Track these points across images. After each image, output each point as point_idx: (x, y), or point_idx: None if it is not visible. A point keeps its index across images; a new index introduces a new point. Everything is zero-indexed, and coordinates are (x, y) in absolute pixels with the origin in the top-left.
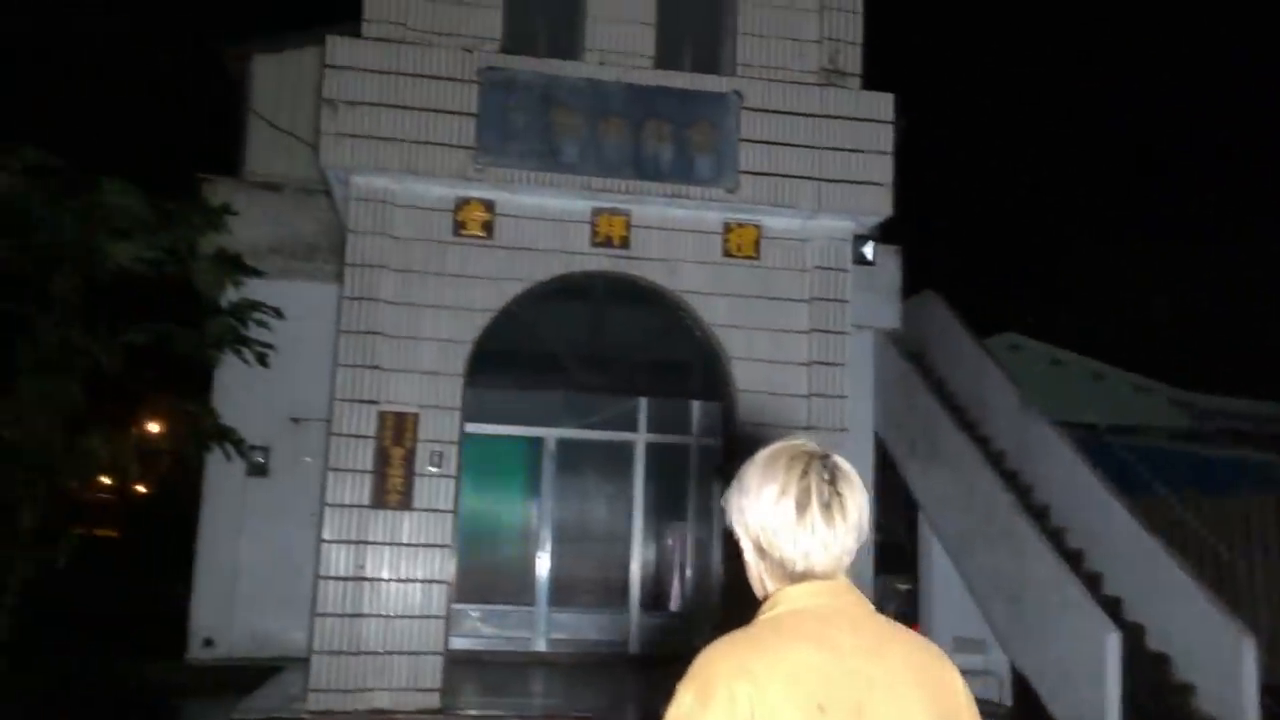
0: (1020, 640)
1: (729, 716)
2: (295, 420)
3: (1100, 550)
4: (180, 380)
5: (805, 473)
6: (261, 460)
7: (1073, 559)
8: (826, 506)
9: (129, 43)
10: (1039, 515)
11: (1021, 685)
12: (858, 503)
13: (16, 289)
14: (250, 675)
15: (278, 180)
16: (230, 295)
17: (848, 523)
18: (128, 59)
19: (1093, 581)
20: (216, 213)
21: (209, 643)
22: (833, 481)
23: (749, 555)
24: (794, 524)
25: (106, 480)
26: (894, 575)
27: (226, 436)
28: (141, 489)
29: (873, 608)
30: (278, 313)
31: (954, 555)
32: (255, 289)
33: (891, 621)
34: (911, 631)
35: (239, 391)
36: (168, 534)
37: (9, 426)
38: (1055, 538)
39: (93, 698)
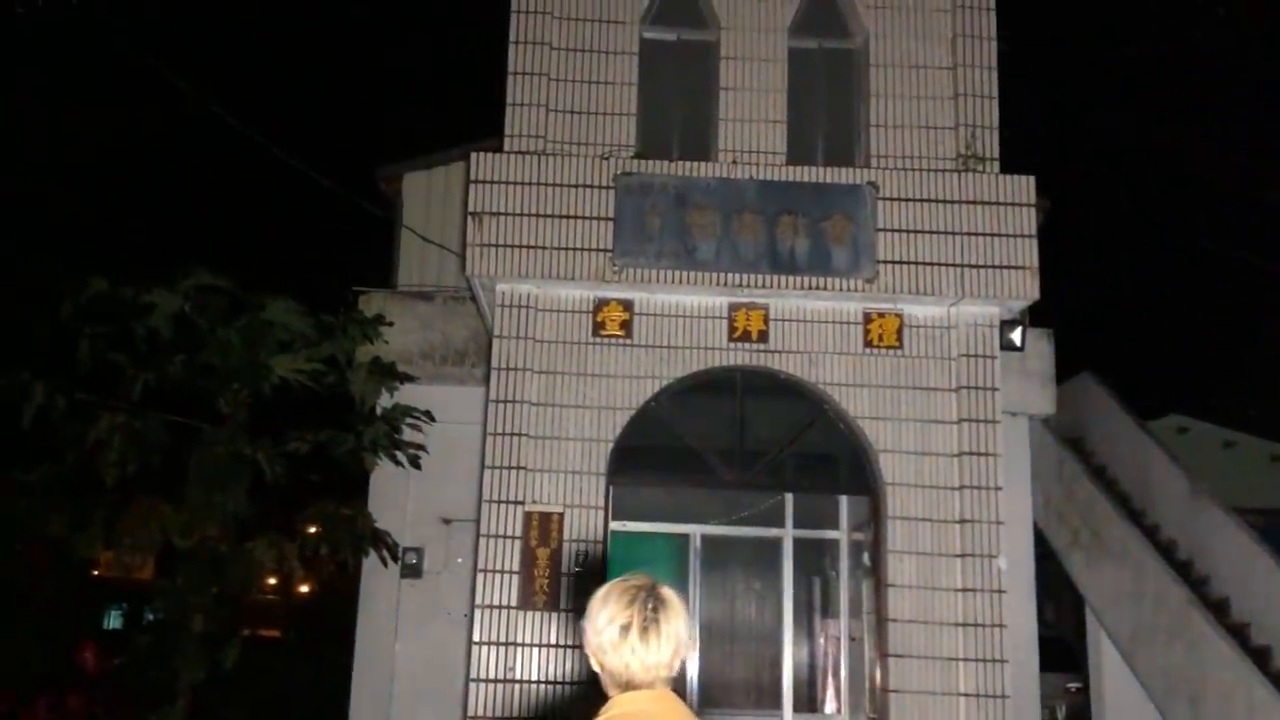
0: None
1: None
2: (446, 521)
3: None
4: (338, 485)
5: (631, 603)
6: (414, 561)
7: (1259, 656)
8: (644, 630)
9: (290, 170)
10: (1217, 608)
11: None
12: (674, 627)
13: (187, 403)
14: None
15: (428, 290)
16: (384, 401)
17: (662, 643)
18: (289, 184)
19: None
20: (372, 324)
21: None
22: (655, 610)
23: (595, 668)
24: (619, 644)
25: (271, 581)
26: (1062, 673)
27: (381, 539)
28: (304, 589)
29: (687, 710)
30: (429, 416)
31: (1126, 652)
32: (407, 394)
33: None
34: None
35: (393, 494)
36: (328, 634)
37: (181, 536)
38: (1237, 632)
39: None
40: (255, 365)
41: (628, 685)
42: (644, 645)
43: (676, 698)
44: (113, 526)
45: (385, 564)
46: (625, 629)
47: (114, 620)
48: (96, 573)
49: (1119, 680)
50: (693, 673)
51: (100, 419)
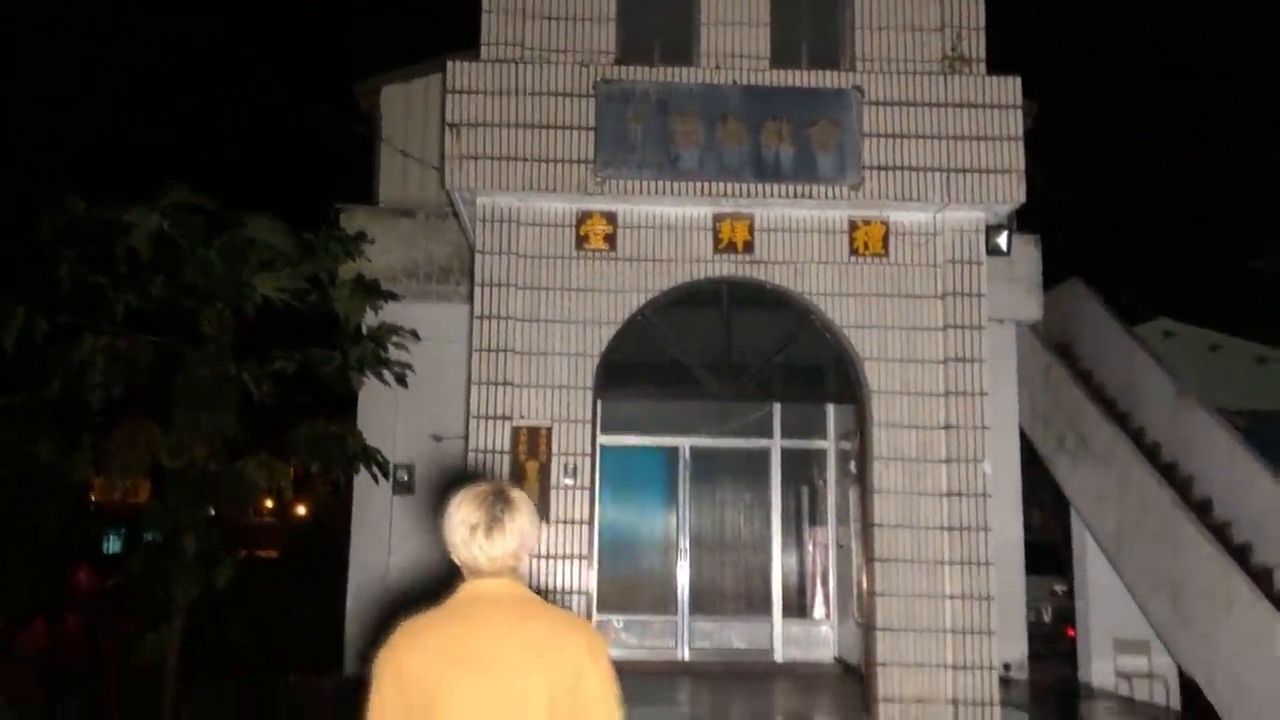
0: (1185, 641)
1: (383, 681)
2: (437, 439)
3: (1270, 544)
4: (326, 405)
5: (479, 505)
6: (405, 479)
7: (1239, 553)
8: (489, 528)
9: (268, 88)
10: (1200, 509)
11: (1189, 689)
12: (518, 524)
13: (170, 324)
14: None
15: (410, 206)
16: (369, 319)
17: (506, 538)
18: (267, 102)
19: (1263, 576)
20: (354, 241)
21: (365, 658)
22: (500, 510)
23: (455, 560)
24: (468, 540)
25: (269, 504)
26: (1047, 576)
27: (371, 457)
28: (301, 511)
29: (529, 596)
30: (415, 334)
31: (1110, 554)
32: (392, 312)
33: (543, 606)
34: (560, 613)
35: (381, 413)
36: (324, 553)
37: (169, 457)
38: (1219, 532)
39: (256, 713)
40: (237, 284)
41: (476, 574)
42: (489, 541)
43: (519, 584)
44: (101, 449)
45: (376, 481)
46: (474, 527)
47: (114, 545)
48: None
49: (1103, 581)
50: (683, 581)
51: (83, 341)
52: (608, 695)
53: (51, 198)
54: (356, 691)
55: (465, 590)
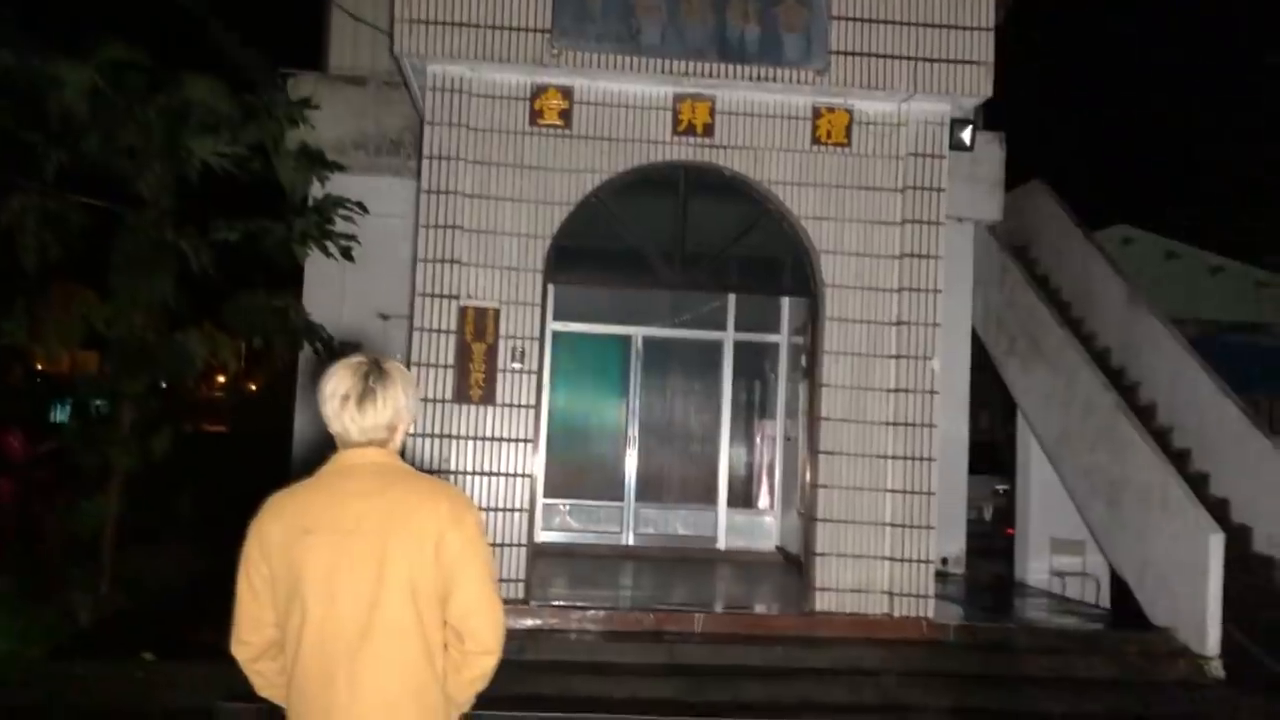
0: (1119, 542)
1: (249, 549)
2: (384, 317)
3: (1208, 450)
4: (272, 279)
5: (352, 376)
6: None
7: (1178, 459)
8: (360, 399)
9: None
10: (1144, 414)
11: (1120, 588)
12: (391, 396)
13: (106, 187)
14: None
15: (362, 74)
16: (315, 191)
17: (378, 410)
18: None
19: (1199, 482)
20: (298, 106)
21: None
22: (373, 382)
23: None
24: (339, 411)
25: (221, 379)
26: (991, 475)
27: (315, 333)
28: (254, 387)
29: (396, 465)
30: (361, 207)
31: (1052, 455)
32: (340, 185)
33: (408, 474)
34: (426, 480)
35: (328, 289)
36: (273, 429)
37: (106, 324)
38: (1160, 437)
39: (196, 589)
40: (176, 146)
41: (347, 446)
42: (360, 412)
43: (391, 454)
44: (35, 315)
45: (320, 357)
46: (345, 398)
47: (62, 414)
48: (40, 367)
49: (1044, 483)
50: (631, 469)
51: (11, 198)
52: (472, 558)
53: None
54: None
55: (334, 460)
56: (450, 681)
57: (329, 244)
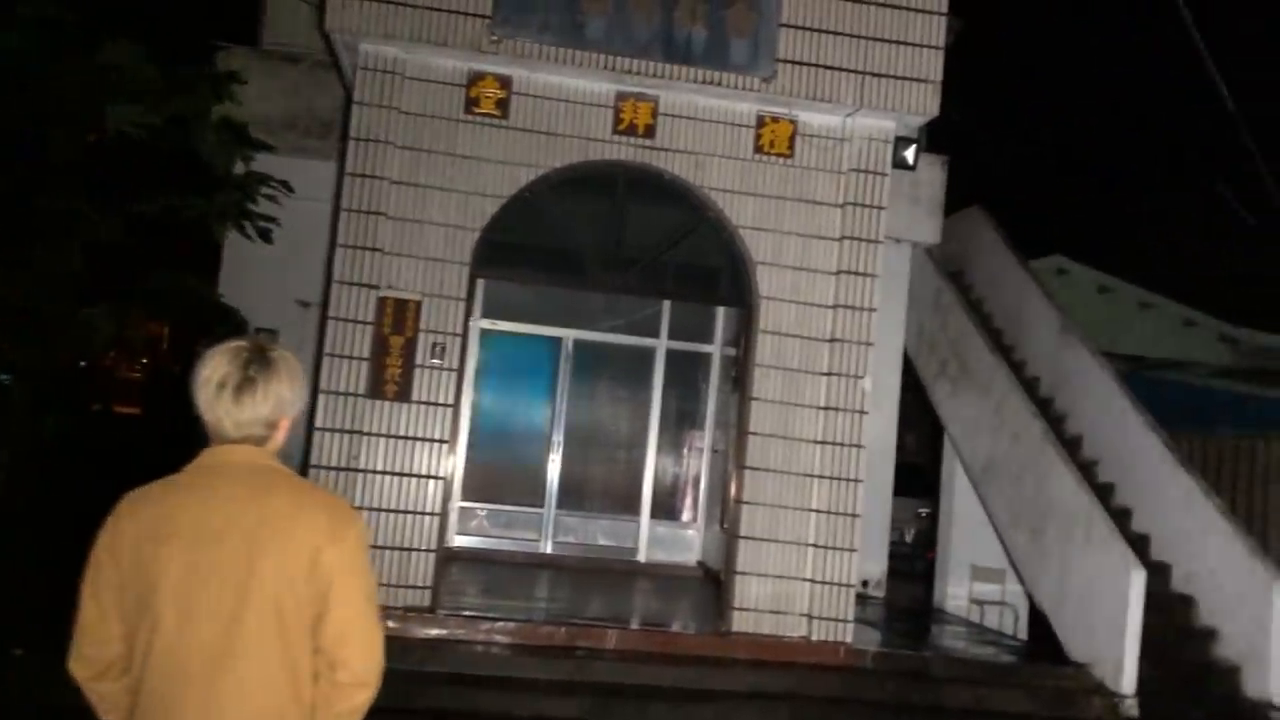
0: (1039, 573)
1: (99, 548)
2: (303, 304)
3: (1132, 485)
4: (192, 260)
5: (232, 362)
6: None
7: (1102, 492)
8: (238, 389)
9: None
10: (1070, 445)
11: (1038, 620)
12: (274, 388)
13: (12, 150)
14: None
15: (296, 52)
16: (240, 170)
17: (257, 402)
18: None
19: (1121, 517)
20: (223, 79)
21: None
22: (255, 370)
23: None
24: (213, 400)
25: (144, 361)
26: (914, 498)
27: (228, 315)
28: (177, 369)
29: (275, 468)
30: (286, 186)
31: (977, 481)
32: (267, 165)
33: (289, 480)
34: (308, 488)
35: (247, 273)
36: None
37: (26, 298)
38: (1086, 469)
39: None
40: (90, 111)
41: (220, 440)
42: (236, 404)
43: (266, 454)
44: None
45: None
46: (221, 386)
47: None
48: None
49: (966, 509)
50: (554, 474)
51: None
52: (350, 579)
53: None
54: None
55: (204, 456)
56: (319, 716)
57: (247, 224)
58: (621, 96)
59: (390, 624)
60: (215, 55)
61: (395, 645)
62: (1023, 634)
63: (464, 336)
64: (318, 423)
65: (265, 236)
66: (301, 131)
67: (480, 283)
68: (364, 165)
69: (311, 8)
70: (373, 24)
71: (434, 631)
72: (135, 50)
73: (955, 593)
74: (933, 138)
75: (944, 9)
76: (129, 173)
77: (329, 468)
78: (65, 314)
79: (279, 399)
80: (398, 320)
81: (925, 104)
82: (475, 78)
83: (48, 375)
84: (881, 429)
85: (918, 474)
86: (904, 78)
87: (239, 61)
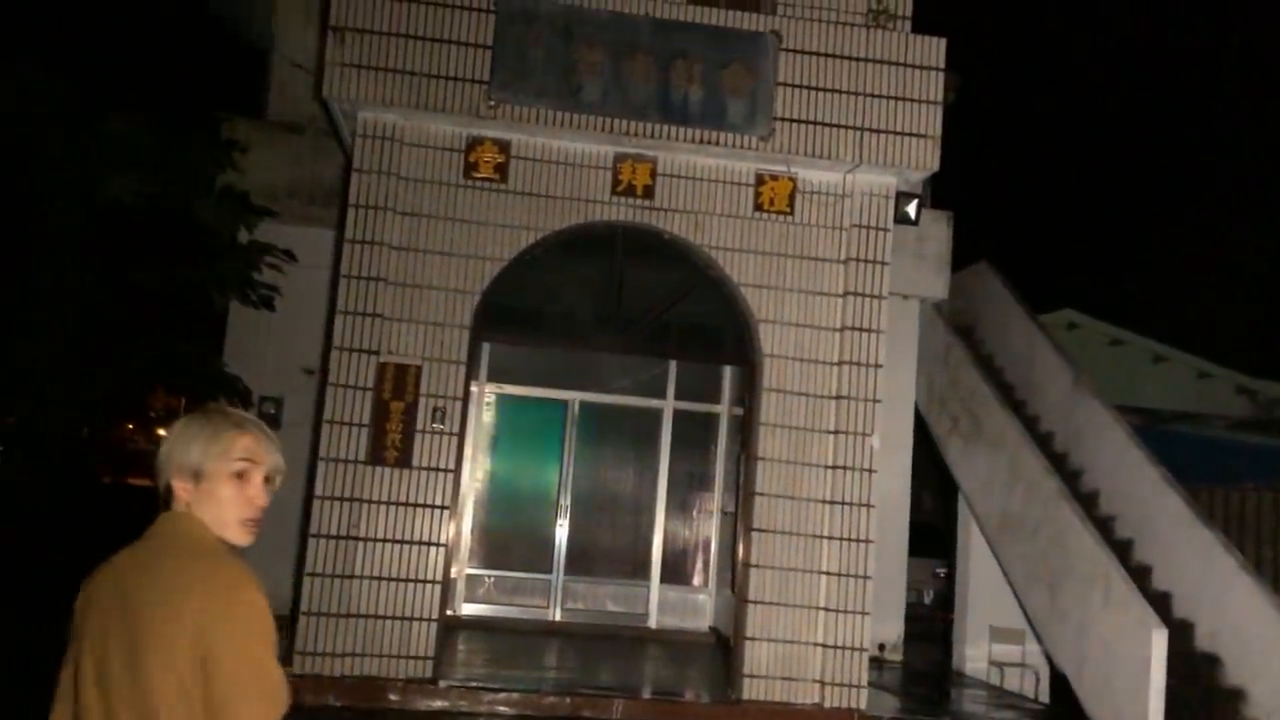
0: (1059, 633)
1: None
2: (309, 372)
3: (1151, 541)
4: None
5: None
6: (273, 411)
7: (1121, 549)
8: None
9: None
10: (1087, 501)
11: (1059, 681)
12: (162, 449)
13: (10, 217)
14: None
15: (299, 121)
16: (243, 238)
17: (158, 463)
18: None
19: (1141, 574)
20: (223, 148)
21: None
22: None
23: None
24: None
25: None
26: (931, 558)
27: (230, 384)
28: None
29: (177, 531)
30: (290, 255)
31: (992, 539)
32: (272, 233)
33: (184, 547)
34: (202, 558)
35: (252, 342)
36: None
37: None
38: (1103, 526)
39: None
40: (89, 180)
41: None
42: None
43: (180, 518)
44: None
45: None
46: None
47: None
48: None
49: (983, 568)
50: (561, 539)
51: None
52: (227, 671)
53: None
54: None
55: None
56: None
57: (249, 292)
58: (620, 158)
59: (392, 696)
60: (220, 125)
61: (395, 718)
62: (1044, 697)
63: (465, 400)
64: (317, 490)
65: (268, 304)
66: (306, 200)
67: (485, 346)
68: (363, 231)
69: (312, 76)
70: (370, 91)
71: (436, 704)
72: (134, 120)
73: (974, 655)
74: (937, 194)
75: (941, 65)
76: (127, 241)
77: (329, 536)
78: (60, 379)
79: (162, 460)
80: (398, 385)
81: (926, 159)
82: (474, 143)
83: (45, 442)
84: (894, 488)
85: (934, 533)
86: (903, 133)
87: (243, 131)
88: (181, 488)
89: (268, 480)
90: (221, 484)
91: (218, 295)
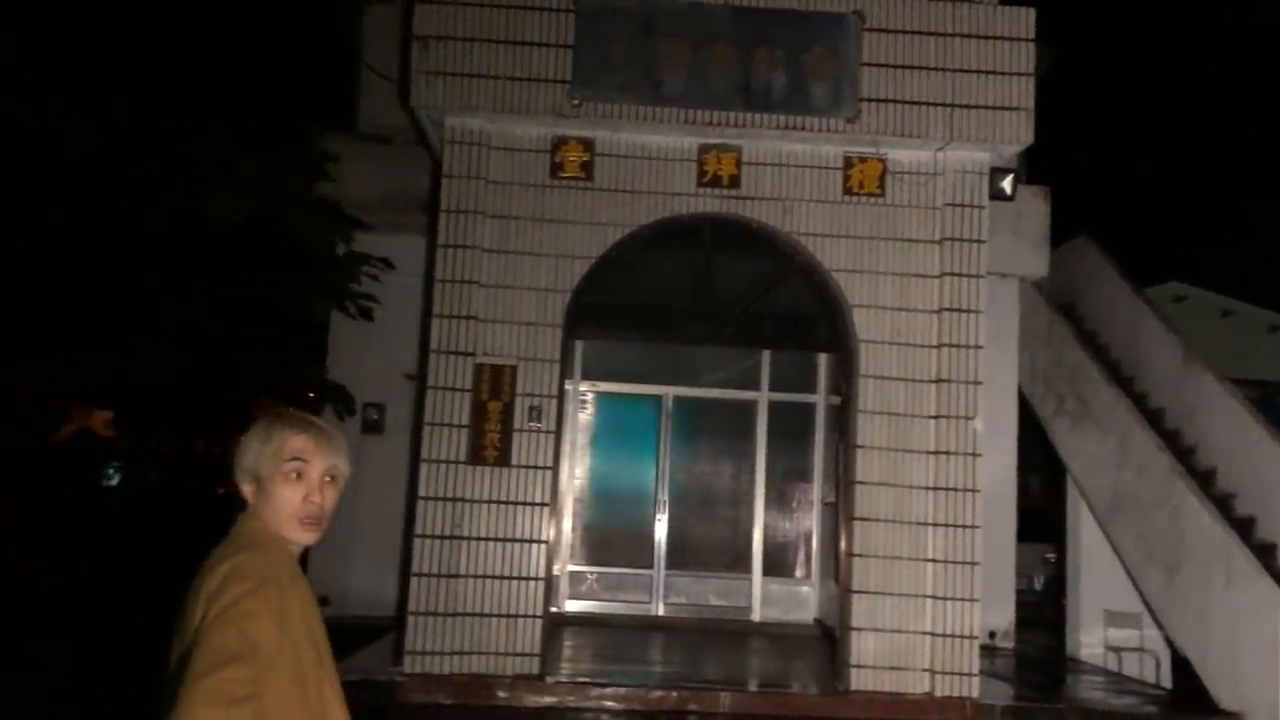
0: (1178, 616)
1: None
2: (409, 377)
3: (1274, 518)
4: (294, 339)
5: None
6: (375, 418)
7: (1242, 527)
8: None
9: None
10: (1203, 478)
11: (1181, 666)
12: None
13: (108, 236)
14: (364, 634)
15: (387, 132)
16: (339, 250)
17: None
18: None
19: (1264, 552)
20: (315, 160)
21: (325, 601)
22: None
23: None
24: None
25: None
26: (1041, 543)
27: (334, 392)
28: None
29: (234, 530)
30: (387, 263)
31: (1103, 521)
32: (368, 244)
33: (230, 540)
34: (223, 548)
35: (353, 350)
36: None
37: (117, 382)
38: (1221, 504)
39: None
40: (185, 200)
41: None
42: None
43: (246, 515)
44: (42, 370)
45: (341, 418)
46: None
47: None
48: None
49: (1095, 551)
50: (661, 535)
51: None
52: (199, 656)
53: None
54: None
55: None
56: None
57: (349, 303)
58: (704, 149)
59: (500, 693)
60: (312, 139)
61: (504, 714)
62: (1166, 682)
63: (560, 399)
64: (420, 491)
65: (366, 315)
66: (397, 209)
67: (578, 345)
68: (455, 236)
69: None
70: (456, 97)
71: (544, 699)
72: (227, 137)
73: (1089, 640)
74: (1034, 169)
75: (1031, 35)
76: (229, 258)
77: (433, 536)
78: (173, 398)
79: (234, 464)
80: (494, 386)
81: (1019, 132)
82: (559, 142)
83: (160, 459)
84: (999, 472)
85: (1042, 518)
86: (995, 107)
87: (335, 144)
88: (247, 489)
89: (330, 480)
90: (276, 484)
91: (318, 306)
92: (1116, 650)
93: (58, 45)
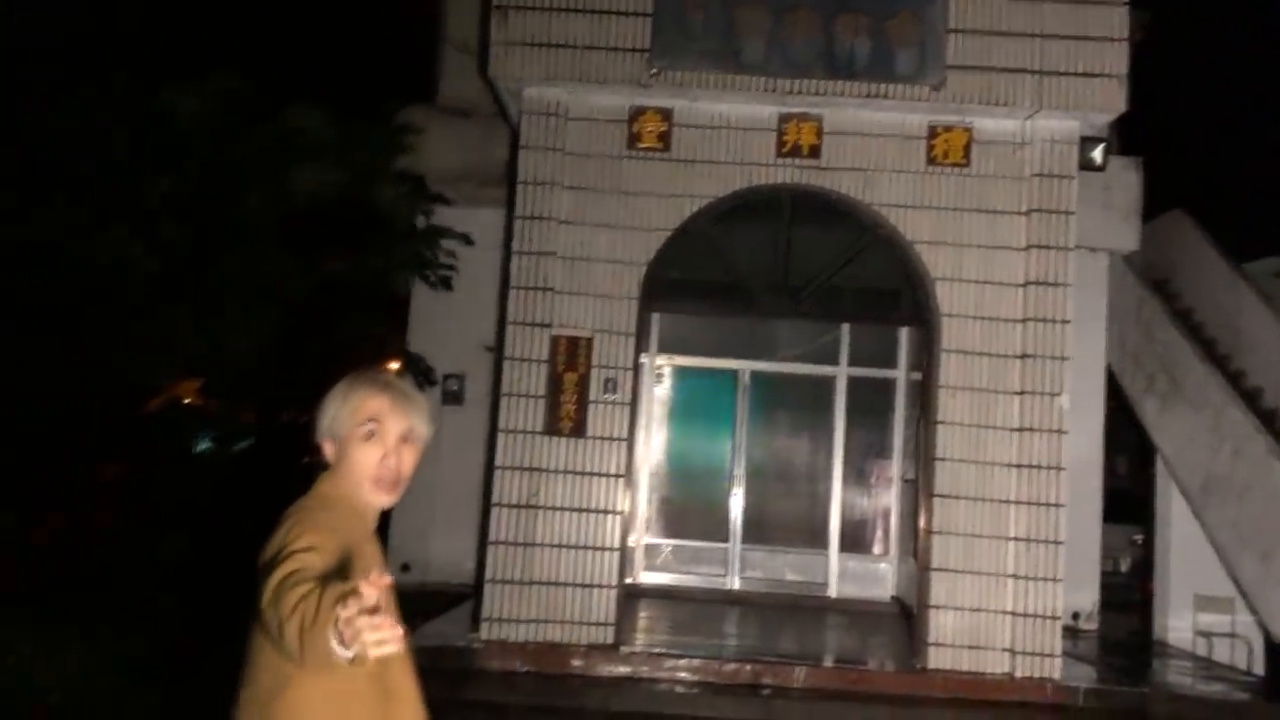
0: (1274, 602)
1: None
2: (489, 349)
3: None
4: (380, 312)
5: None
6: (455, 388)
7: None
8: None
9: None
10: None
11: (1275, 653)
12: None
13: (206, 214)
14: (443, 601)
15: (467, 106)
16: (420, 223)
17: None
18: None
19: None
20: (398, 132)
21: (405, 568)
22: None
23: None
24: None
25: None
26: (1127, 525)
27: (415, 362)
28: None
29: (320, 487)
30: (466, 238)
31: (1195, 503)
32: (449, 217)
33: (310, 493)
34: (306, 497)
35: (434, 322)
36: None
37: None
38: None
39: None
40: (278, 174)
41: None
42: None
43: (324, 476)
44: (141, 343)
45: (421, 388)
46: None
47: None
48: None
49: (1185, 533)
50: (737, 509)
51: (118, 227)
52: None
53: (94, 73)
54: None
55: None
56: None
57: (429, 274)
58: (784, 118)
59: (575, 662)
60: (394, 113)
61: (578, 682)
62: (1258, 669)
63: (635, 371)
64: (498, 461)
65: (447, 284)
66: (477, 182)
67: (655, 318)
68: (532, 208)
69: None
70: (534, 67)
71: (619, 669)
72: (313, 113)
73: (1177, 625)
74: (1126, 140)
75: None
76: (316, 232)
77: (510, 505)
78: (263, 370)
79: (315, 423)
80: (570, 357)
81: (1111, 100)
82: (636, 113)
83: (250, 432)
84: (1085, 450)
85: (1130, 499)
86: (1085, 74)
87: (415, 118)
88: (327, 449)
89: (407, 442)
90: (352, 445)
91: (401, 278)
92: (1207, 635)
93: (166, 21)
